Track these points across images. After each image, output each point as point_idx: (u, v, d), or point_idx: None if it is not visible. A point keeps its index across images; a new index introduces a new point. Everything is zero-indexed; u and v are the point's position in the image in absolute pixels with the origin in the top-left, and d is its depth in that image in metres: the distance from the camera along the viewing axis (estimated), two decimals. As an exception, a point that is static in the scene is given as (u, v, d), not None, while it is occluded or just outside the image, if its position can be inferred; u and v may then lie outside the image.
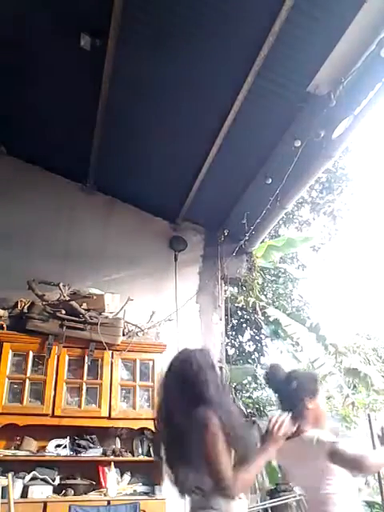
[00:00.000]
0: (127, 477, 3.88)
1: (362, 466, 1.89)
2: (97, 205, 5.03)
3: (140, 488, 3.81)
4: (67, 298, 4.00)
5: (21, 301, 4.06)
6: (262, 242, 5.73)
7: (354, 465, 1.87)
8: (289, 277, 8.04)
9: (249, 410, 6.66)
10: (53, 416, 3.71)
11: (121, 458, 3.85)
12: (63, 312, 3.91)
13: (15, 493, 3.32)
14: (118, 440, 4.02)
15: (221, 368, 2.09)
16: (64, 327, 3.90)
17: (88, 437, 3.86)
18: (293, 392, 2.06)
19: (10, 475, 3.20)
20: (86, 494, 3.61)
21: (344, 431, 6.99)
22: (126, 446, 4.01)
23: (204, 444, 1.74)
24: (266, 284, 7.68)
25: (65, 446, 3.75)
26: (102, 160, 4.59)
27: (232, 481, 1.73)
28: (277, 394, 2.24)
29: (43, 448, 3.71)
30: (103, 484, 3.70)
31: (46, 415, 3.70)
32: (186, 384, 1.87)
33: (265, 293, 7.47)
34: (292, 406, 2.01)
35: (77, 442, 3.80)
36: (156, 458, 1.95)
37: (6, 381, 3.72)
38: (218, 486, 1.73)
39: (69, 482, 3.64)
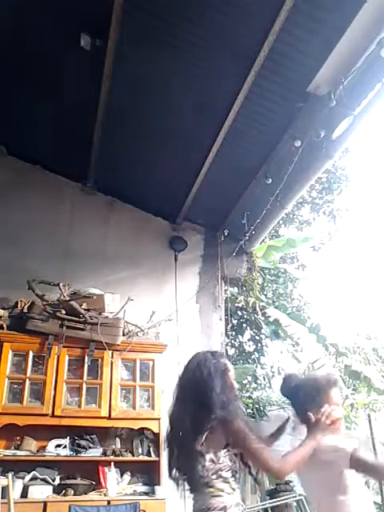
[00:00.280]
0: (127, 477, 3.88)
1: (381, 472, 1.94)
2: (97, 205, 5.03)
3: (140, 488, 3.82)
4: (67, 298, 4.00)
5: (21, 301, 4.07)
6: (262, 242, 5.73)
7: (375, 472, 1.93)
8: (289, 277, 8.04)
9: (249, 410, 6.67)
10: (53, 416, 3.71)
11: (121, 458, 3.85)
12: (63, 312, 3.91)
13: (15, 493, 3.31)
14: (118, 440, 4.02)
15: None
16: (64, 327, 3.90)
17: (88, 437, 3.86)
18: (299, 404, 2.09)
19: (9, 475, 3.20)
20: (86, 493, 3.61)
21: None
22: (125, 445, 4.01)
23: (236, 434, 1.81)
24: (265, 284, 7.68)
25: (65, 446, 3.75)
26: (101, 160, 4.59)
27: (280, 461, 1.78)
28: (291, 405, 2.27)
29: (43, 448, 3.71)
30: (103, 484, 3.70)
31: (46, 415, 3.69)
32: (196, 389, 1.92)
33: (265, 293, 7.47)
34: (302, 418, 2.03)
35: (77, 441, 3.80)
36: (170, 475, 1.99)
37: (6, 381, 3.72)
38: (272, 470, 1.79)
39: (69, 481, 3.63)
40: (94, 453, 3.79)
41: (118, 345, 4.03)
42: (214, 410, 1.84)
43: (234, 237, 5.10)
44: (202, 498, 1.84)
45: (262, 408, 6.95)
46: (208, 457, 1.83)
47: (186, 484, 1.93)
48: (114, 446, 3.94)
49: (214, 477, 1.82)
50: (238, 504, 1.82)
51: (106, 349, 3.95)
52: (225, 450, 1.85)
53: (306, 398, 2.05)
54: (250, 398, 7.34)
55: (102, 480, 3.72)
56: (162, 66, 3.43)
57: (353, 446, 1.90)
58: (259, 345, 7.47)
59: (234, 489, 1.85)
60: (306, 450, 1.85)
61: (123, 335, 4.10)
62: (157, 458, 3.87)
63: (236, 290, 6.23)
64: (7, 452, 3.60)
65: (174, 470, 1.95)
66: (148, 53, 3.35)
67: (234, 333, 7.44)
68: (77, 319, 3.94)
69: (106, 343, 3.93)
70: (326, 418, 1.88)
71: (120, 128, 4.17)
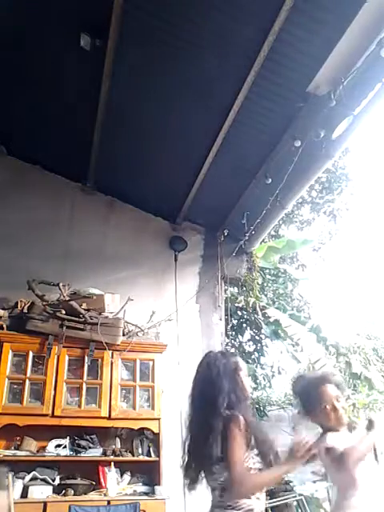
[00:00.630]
0: (127, 477, 3.88)
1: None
2: (97, 205, 5.03)
3: (140, 488, 3.81)
4: (67, 298, 4.00)
5: (21, 301, 4.06)
6: (262, 243, 5.73)
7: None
8: (289, 277, 8.04)
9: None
10: (53, 416, 3.70)
11: (121, 458, 3.85)
12: (63, 312, 3.91)
13: (15, 493, 3.32)
14: (118, 440, 4.02)
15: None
16: (64, 327, 3.90)
17: (88, 437, 3.86)
18: (300, 401, 2.21)
19: (10, 475, 3.20)
20: (85, 494, 3.61)
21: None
22: (126, 445, 4.01)
23: (225, 439, 1.79)
24: (265, 284, 7.67)
25: (65, 446, 3.75)
26: (101, 160, 4.59)
27: (241, 477, 1.75)
28: None
29: (43, 448, 3.71)
30: (103, 484, 3.70)
31: (46, 415, 3.69)
32: (206, 390, 1.94)
33: (265, 293, 7.46)
34: (305, 415, 2.11)
35: (77, 442, 3.80)
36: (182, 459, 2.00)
37: (6, 381, 3.72)
38: (232, 479, 1.76)
39: (69, 481, 3.63)
40: (94, 453, 3.79)
41: (118, 345, 4.03)
42: (221, 411, 1.84)
43: (234, 237, 5.10)
44: (218, 496, 1.85)
45: (262, 408, 6.94)
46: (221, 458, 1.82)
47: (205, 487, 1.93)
48: (114, 446, 3.94)
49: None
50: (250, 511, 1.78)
51: (106, 349, 3.95)
52: (245, 452, 1.82)
53: (302, 394, 2.20)
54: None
55: (102, 480, 3.72)
56: (162, 65, 3.43)
57: (346, 442, 1.95)
58: (259, 345, 7.45)
59: (258, 497, 1.81)
60: (272, 476, 1.85)
61: (123, 335, 4.10)
62: (157, 458, 3.87)
63: (236, 290, 6.23)
64: (7, 452, 3.60)
65: (192, 474, 1.95)
66: (148, 53, 3.35)
67: (233, 333, 7.43)
68: (77, 319, 3.94)
69: (106, 343, 3.93)
70: (300, 451, 1.85)
71: (120, 128, 4.17)
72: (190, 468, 1.95)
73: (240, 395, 1.93)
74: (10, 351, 3.81)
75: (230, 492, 1.79)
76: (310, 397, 2.16)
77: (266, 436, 1.95)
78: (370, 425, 2.03)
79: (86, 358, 3.93)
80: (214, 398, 1.87)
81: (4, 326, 3.93)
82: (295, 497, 5.50)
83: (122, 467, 3.89)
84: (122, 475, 3.86)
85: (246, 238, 4.90)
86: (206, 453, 1.83)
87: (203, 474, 1.92)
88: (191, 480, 1.95)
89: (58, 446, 3.74)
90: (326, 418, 2.09)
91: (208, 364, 2.01)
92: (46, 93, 3.97)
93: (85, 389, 3.87)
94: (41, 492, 3.44)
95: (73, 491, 3.56)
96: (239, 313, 7.10)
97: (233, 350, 7.11)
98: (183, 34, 3.18)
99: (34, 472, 3.55)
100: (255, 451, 1.85)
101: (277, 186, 3.93)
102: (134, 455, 3.94)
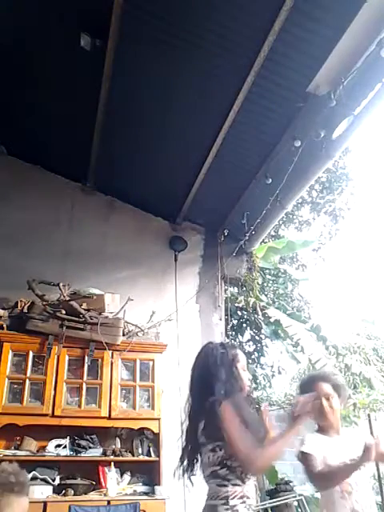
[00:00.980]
0: (127, 477, 3.88)
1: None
2: (97, 205, 5.03)
3: (140, 488, 3.81)
4: (67, 298, 4.00)
5: (21, 301, 4.07)
6: (262, 243, 5.73)
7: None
8: (289, 277, 8.03)
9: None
10: (53, 416, 3.71)
11: (121, 458, 3.85)
12: (63, 312, 3.91)
13: (15, 493, 3.31)
14: (118, 440, 4.02)
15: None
16: (64, 327, 3.90)
17: (88, 437, 3.86)
18: None
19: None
20: (86, 493, 3.61)
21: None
22: (126, 445, 4.01)
23: (221, 421, 1.78)
24: (265, 284, 7.67)
25: (65, 446, 3.75)
26: (101, 160, 4.59)
27: (249, 456, 1.73)
28: None
29: (43, 448, 3.71)
30: (103, 484, 3.70)
31: (46, 415, 3.69)
32: (202, 377, 1.98)
33: (265, 293, 7.46)
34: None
35: (77, 441, 3.80)
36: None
37: (6, 381, 3.72)
38: (242, 461, 1.75)
39: (69, 482, 3.63)
40: (94, 453, 3.79)
41: (118, 345, 4.03)
42: (209, 393, 1.86)
43: (234, 237, 5.09)
44: (210, 489, 1.85)
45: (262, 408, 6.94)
46: (210, 446, 1.84)
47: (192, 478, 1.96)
48: (113, 446, 3.94)
49: (219, 466, 1.81)
50: (243, 497, 1.77)
51: (106, 349, 3.95)
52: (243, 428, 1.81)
53: (300, 386, 2.31)
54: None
55: (102, 480, 3.72)
56: (161, 66, 3.43)
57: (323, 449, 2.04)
58: (259, 345, 7.44)
59: (243, 479, 1.80)
60: (283, 441, 1.83)
61: (123, 335, 4.10)
62: (157, 458, 3.87)
63: (236, 290, 6.22)
64: (7, 452, 3.60)
65: (184, 463, 1.97)
66: (148, 53, 3.35)
67: (233, 333, 7.42)
68: (77, 319, 3.94)
69: (106, 343, 3.93)
70: (299, 408, 1.86)
71: (120, 128, 4.17)
72: (187, 450, 1.99)
73: (235, 385, 1.94)
74: (10, 351, 3.81)
75: (236, 471, 1.78)
76: (303, 389, 2.22)
77: (256, 417, 1.98)
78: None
79: (86, 357, 3.93)
80: (210, 386, 1.90)
81: (4, 325, 3.94)
82: (295, 497, 5.51)
83: (122, 467, 3.89)
84: (121, 475, 3.86)
85: (246, 238, 4.90)
86: (200, 435, 1.88)
87: (199, 457, 1.95)
88: (188, 462, 1.97)
89: (58, 445, 3.74)
90: (314, 413, 2.11)
91: (206, 353, 2.04)
92: (46, 93, 3.97)
93: (85, 389, 3.88)
94: (41, 492, 3.44)
95: (73, 491, 3.56)
96: (239, 313, 7.09)
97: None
98: (183, 34, 3.18)
99: (34, 472, 3.54)
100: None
101: (277, 186, 3.93)
102: (133, 455, 3.94)
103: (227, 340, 5.37)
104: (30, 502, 3.36)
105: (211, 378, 1.91)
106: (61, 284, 4.04)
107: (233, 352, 2.06)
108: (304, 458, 2.05)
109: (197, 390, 2.00)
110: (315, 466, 2.01)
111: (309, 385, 2.22)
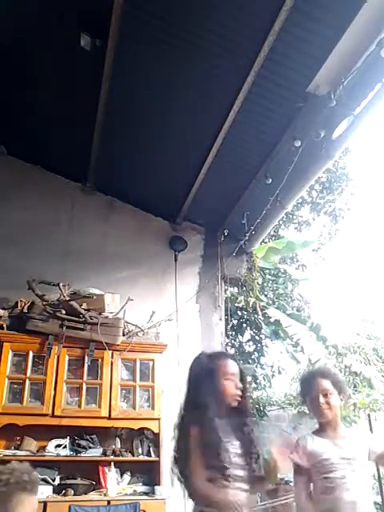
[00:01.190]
0: (127, 477, 3.88)
1: None
2: (97, 205, 5.03)
3: (140, 488, 3.82)
4: (67, 298, 4.00)
5: (21, 301, 4.07)
6: (262, 243, 5.72)
7: None
8: (289, 277, 8.03)
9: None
10: (53, 416, 3.71)
11: (121, 458, 3.85)
12: (63, 312, 3.91)
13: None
14: (118, 440, 4.02)
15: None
16: (64, 327, 3.90)
17: (88, 437, 3.86)
18: (300, 396, 2.39)
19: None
20: (86, 493, 3.61)
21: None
22: (126, 445, 4.01)
23: (188, 444, 1.87)
24: (266, 284, 7.67)
25: (65, 446, 3.75)
26: (101, 160, 4.59)
27: (196, 484, 1.82)
28: None
29: (43, 448, 3.72)
30: (103, 484, 3.70)
31: (46, 415, 3.70)
32: (187, 390, 2.05)
33: (265, 293, 7.46)
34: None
35: (77, 441, 3.80)
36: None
37: (6, 381, 3.72)
38: (186, 485, 1.89)
39: (69, 482, 3.64)
40: (94, 453, 3.80)
41: (118, 345, 4.03)
42: (186, 411, 1.95)
43: (234, 237, 5.09)
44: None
45: (262, 408, 6.93)
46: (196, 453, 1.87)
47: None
48: (113, 446, 3.94)
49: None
50: (230, 503, 1.81)
51: (106, 349, 3.95)
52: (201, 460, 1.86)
53: (300, 382, 2.38)
54: (250, 397, 7.31)
55: (102, 480, 3.73)
56: (161, 66, 3.43)
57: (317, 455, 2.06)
58: (259, 345, 7.44)
59: (227, 483, 1.84)
60: (220, 496, 1.85)
61: (123, 335, 4.10)
62: (157, 458, 3.87)
63: (236, 290, 6.23)
64: (7, 452, 3.60)
65: (175, 470, 1.99)
66: (148, 53, 3.35)
67: (233, 333, 7.42)
68: (77, 319, 3.95)
69: (106, 343, 3.93)
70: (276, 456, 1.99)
71: (120, 128, 4.17)
72: (175, 465, 2.01)
73: (212, 401, 1.95)
74: (10, 351, 3.82)
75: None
76: (303, 385, 2.28)
77: (217, 440, 1.92)
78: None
79: (86, 357, 3.93)
80: (188, 400, 1.97)
81: (4, 325, 3.94)
82: (295, 497, 5.50)
83: (122, 467, 3.89)
84: (122, 475, 3.86)
85: (246, 238, 4.90)
86: (177, 457, 1.96)
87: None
88: (176, 477, 2.00)
89: (58, 445, 3.74)
90: (310, 408, 2.20)
91: (191, 366, 2.09)
92: (46, 93, 3.97)
93: (85, 389, 3.88)
94: (41, 492, 3.43)
95: (73, 491, 3.57)
96: (239, 313, 7.09)
97: (233, 350, 7.12)
98: (183, 34, 3.18)
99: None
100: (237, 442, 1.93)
101: (277, 186, 3.93)
102: (133, 455, 3.94)
103: (226, 348, 5.38)
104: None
105: (190, 394, 1.99)
106: (61, 284, 4.04)
107: (219, 362, 2.07)
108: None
109: (183, 402, 2.05)
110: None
111: (308, 381, 2.23)
